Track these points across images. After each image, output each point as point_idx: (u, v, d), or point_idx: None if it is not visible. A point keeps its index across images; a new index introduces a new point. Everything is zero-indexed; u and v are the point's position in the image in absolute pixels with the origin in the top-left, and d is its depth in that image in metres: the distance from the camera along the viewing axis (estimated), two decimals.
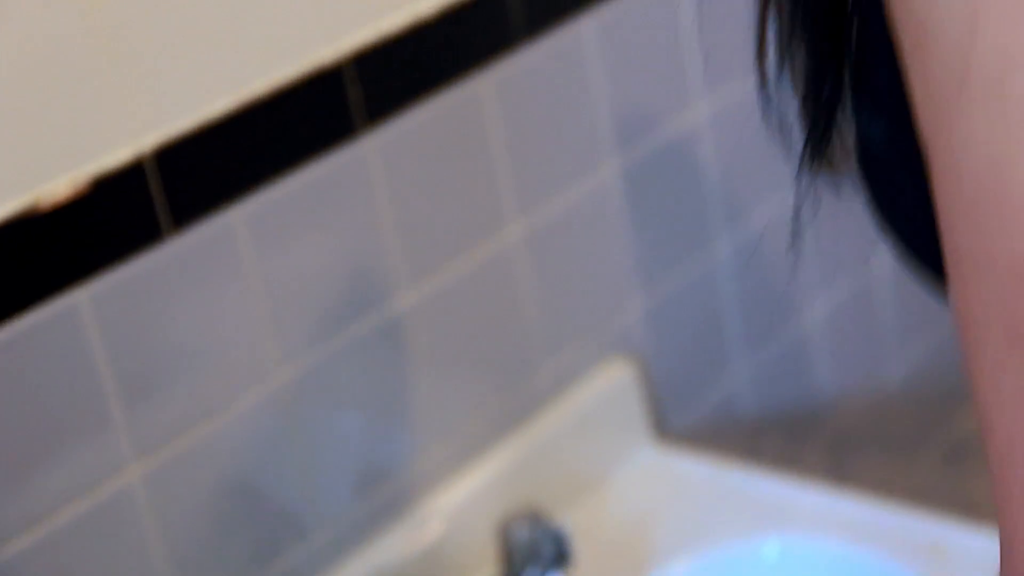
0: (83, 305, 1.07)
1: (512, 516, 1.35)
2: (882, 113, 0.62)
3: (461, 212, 1.32)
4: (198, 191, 1.12)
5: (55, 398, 1.07)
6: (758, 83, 0.67)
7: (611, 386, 1.46)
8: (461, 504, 1.34)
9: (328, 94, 1.18)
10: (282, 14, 1.15)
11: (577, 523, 1.39)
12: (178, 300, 1.13)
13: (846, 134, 0.67)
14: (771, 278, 1.64)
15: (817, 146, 0.65)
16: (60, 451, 1.07)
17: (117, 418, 1.10)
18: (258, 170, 1.15)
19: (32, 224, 1.03)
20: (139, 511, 1.12)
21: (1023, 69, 0.49)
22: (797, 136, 0.67)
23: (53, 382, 1.07)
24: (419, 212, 1.28)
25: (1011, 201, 0.49)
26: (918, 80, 0.53)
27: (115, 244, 1.08)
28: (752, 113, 0.78)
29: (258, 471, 1.20)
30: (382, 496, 1.29)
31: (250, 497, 1.20)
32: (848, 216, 0.78)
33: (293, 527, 1.23)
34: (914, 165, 0.56)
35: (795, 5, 0.63)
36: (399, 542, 1.30)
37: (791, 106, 0.68)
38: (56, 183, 1.04)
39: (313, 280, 1.21)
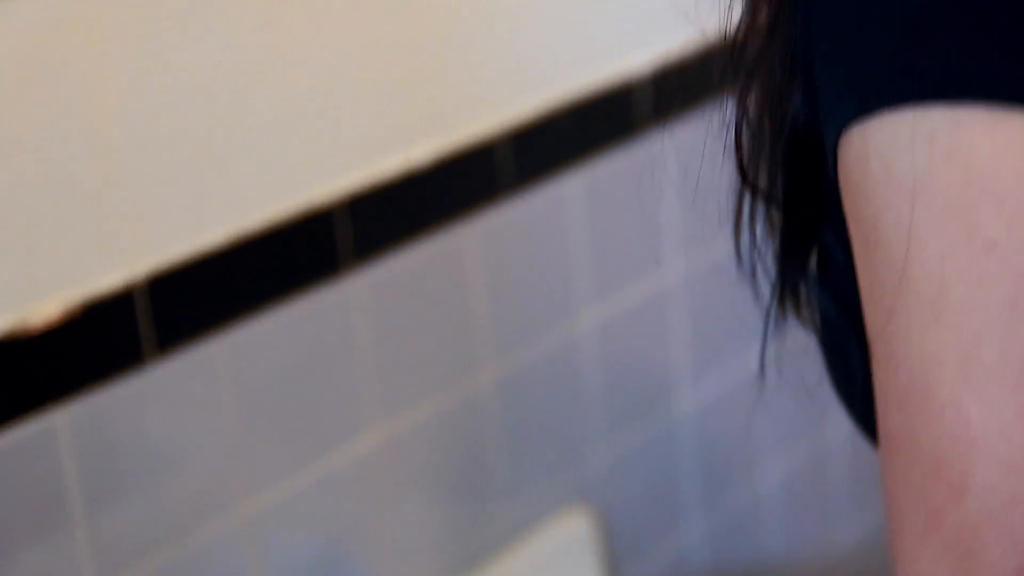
0: (60, 427, 1.07)
1: None
2: (834, 290, 0.66)
3: (436, 354, 1.33)
4: (185, 319, 1.13)
5: (20, 516, 1.07)
6: (733, 234, 0.71)
7: (567, 535, 1.47)
8: None
9: (318, 233, 1.20)
10: (279, 152, 1.18)
11: None
12: (153, 425, 1.13)
13: (811, 295, 0.71)
14: (729, 438, 1.66)
15: (784, 295, 0.70)
16: (20, 567, 1.07)
17: (80, 538, 1.10)
18: (245, 302, 1.17)
19: (19, 344, 1.04)
20: None
21: (956, 282, 0.53)
22: (766, 287, 0.71)
23: (19, 500, 1.07)
24: (395, 352, 1.29)
25: (937, 398, 0.53)
26: (864, 274, 0.57)
27: (97, 367, 1.09)
28: (722, 277, 0.81)
29: None
30: None
31: None
32: (805, 381, 0.81)
33: None
34: (860, 339, 0.60)
35: (771, 198, 0.68)
36: None
37: (763, 261, 0.72)
38: (47, 304, 1.05)
39: (286, 411, 1.22)
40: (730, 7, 0.65)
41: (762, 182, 0.68)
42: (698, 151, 0.71)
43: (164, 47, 1.09)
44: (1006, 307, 0.52)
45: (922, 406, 0.53)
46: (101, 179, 1.07)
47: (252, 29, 1.15)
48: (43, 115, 1.03)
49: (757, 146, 0.67)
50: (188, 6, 1.11)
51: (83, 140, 1.06)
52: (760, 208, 0.70)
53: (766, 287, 0.72)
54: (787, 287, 0.70)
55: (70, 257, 1.06)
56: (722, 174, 0.72)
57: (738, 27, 0.65)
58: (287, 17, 1.17)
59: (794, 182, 0.66)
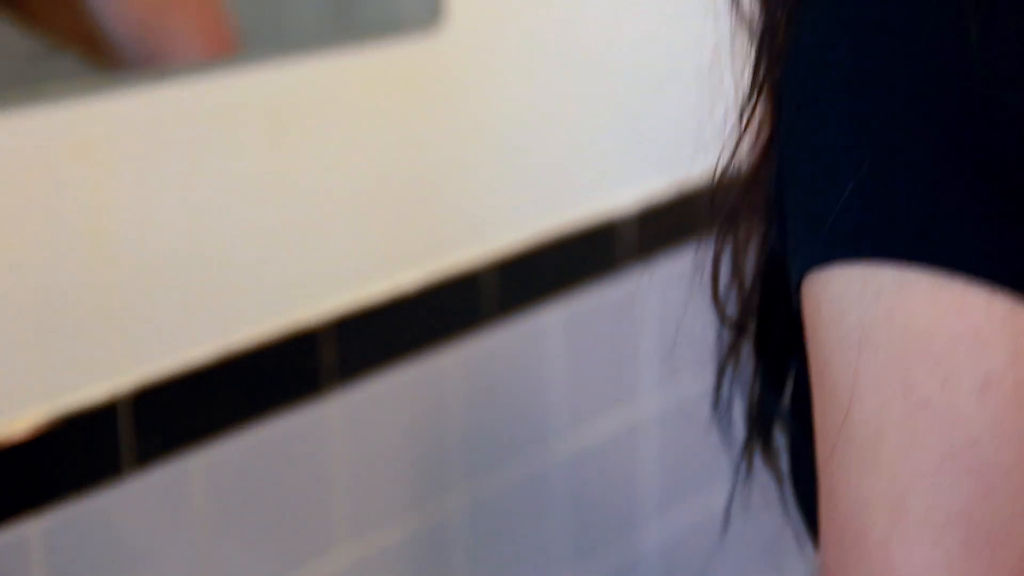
0: (33, 536, 1.07)
1: None
2: (803, 417, 0.68)
3: (409, 476, 1.34)
4: (166, 433, 1.13)
5: None
6: (714, 386, 0.74)
7: None
8: None
9: (303, 353, 1.21)
10: (269, 272, 1.19)
11: None
12: (126, 537, 1.13)
13: (780, 432, 0.73)
14: (691, 574, 1.66)
15: (753, 439, 0.73)
16: None
17: None
18: (226, 418, 1.17)
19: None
20: None
21: (891, 433, 0.55)
22: (739, 430, 0.73)
23: None
24: (369, 472, 1.30)
25: (868, 539, 0.56)
26: (816, 410, 0.59)
27: (75, 478, 1.09)
28: (694, 414, 0.82)
29: None
30: None
31: None
32: (767, 521, 0.82)
33: None
34: None
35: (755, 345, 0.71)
36: None
37: (737, 404, 0.74)
38: (28, 413, 1.05)
39: (259, 527, 1.22)
40: (722, 150, 0.68)
41: (748, 322, 0.70)
42: (678, 290, 0.73)
43: (159, 170, 1.11)
44: (935, 461, 0.55)
45: (854, 544, 0.56)
46: (91, 293, 1.08)
47: (246, 154, 1.17)
48: (35, 230, 1.04)
49: (736, 280, 0.70)
50: (184, 131, 1.13)
51: (76, 255, 1.06)
52: (737, 349, 0.72)
53: (738, 430, 0.74)
54: (758, 432, 0.73)
55: (56, 368, 1.07)
56: (700, 313, 0.74)
57: (726, 166, 0.68)
58: (281, 144, 1.19)
59: (769, 312, 0.69)
